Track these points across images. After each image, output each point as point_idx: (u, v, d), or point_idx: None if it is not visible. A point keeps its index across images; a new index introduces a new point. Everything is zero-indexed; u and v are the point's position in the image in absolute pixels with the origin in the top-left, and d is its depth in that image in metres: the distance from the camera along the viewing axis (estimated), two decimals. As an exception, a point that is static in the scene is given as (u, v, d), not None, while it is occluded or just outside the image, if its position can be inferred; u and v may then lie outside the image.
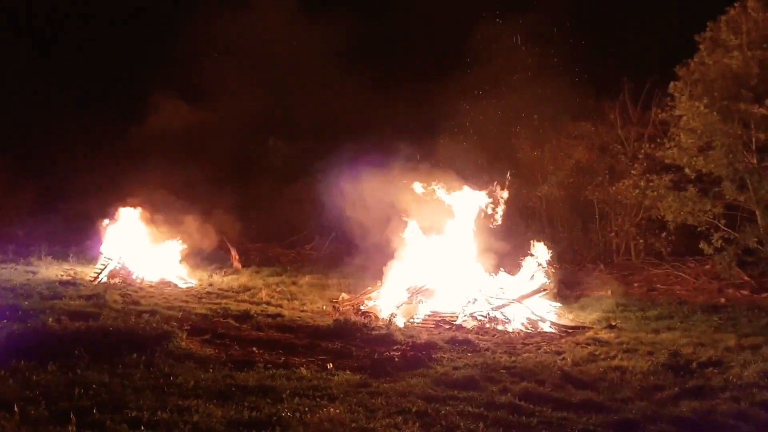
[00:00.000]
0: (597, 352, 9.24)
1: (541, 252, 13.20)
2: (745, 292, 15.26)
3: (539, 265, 13.36)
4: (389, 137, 16.01)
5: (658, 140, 17.44)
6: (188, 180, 18.51)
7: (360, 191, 15.18)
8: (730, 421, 6.51)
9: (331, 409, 6.24)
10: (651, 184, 16.82)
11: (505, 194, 13.62)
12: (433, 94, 18.67)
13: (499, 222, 13.51)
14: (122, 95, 24.11)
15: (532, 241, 13.49)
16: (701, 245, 16.03)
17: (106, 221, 15.75)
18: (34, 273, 14.20)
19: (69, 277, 13.93)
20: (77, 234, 17.72)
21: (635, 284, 16.77)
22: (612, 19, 19.67)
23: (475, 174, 14.83)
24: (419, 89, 19.17)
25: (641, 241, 18.95)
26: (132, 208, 15.98)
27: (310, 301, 13.21)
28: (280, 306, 12.32)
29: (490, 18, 19.50)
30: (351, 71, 20.58)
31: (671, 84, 15.89)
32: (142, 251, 15.48)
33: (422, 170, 14.27)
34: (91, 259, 15.79)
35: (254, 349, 8.74)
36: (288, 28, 21.82)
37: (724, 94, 15.17)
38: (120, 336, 8.35)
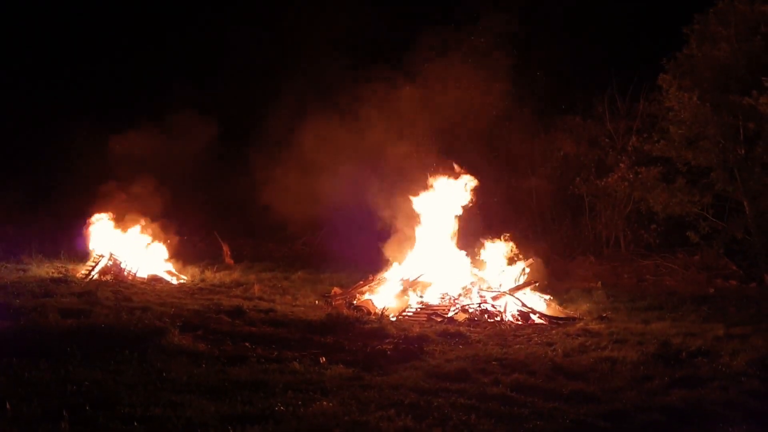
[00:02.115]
0: (587, 343, 9.29)
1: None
2: (733, 282, 15.42)
3: (530, 258, 13.48)
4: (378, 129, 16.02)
5: (645, 135, 17.58)
6: (180, 175, 18.47)
7: (352, 186, 15.23)
8: (719, 409, 6.57)
9: (324, 403, 6.26)
10: (639, 176, 16.94)
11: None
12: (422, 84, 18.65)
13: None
14: (111, 89, 24.03)
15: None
16: (688, 233, 16.21)
17: (98, 220, 15.72)
18: (25, 271, 14.15)
19: (60, 275, 13.88)
20: (68, 232, 17.67)
21: (625, 275, 16.89)
22: (600, 11, 19.69)
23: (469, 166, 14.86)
24: (408, 82, 19.12)
25: (630, 233, 19.08)
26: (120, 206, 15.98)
27: (302, 295, 13.22)
28: (273, 301, 12.33)
29: (476, 10, 19.49)
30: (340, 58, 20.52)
31: (660, 76, 16.00)
32: (133, 248, 15.46)
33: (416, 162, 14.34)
34: (82, 257, 15.74)
35: (247, 344, 8.74)
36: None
37: (713, 86, 15.29)
38: (112, 332, 8.34)
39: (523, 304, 11.91)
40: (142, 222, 15.99)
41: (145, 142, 19.30)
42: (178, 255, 16.43)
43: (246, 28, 22.39)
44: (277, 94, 22.08)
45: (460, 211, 13.74)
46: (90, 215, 15.89)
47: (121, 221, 15.87)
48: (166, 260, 15.77)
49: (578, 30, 19.97)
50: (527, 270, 13.31)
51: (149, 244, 15.80)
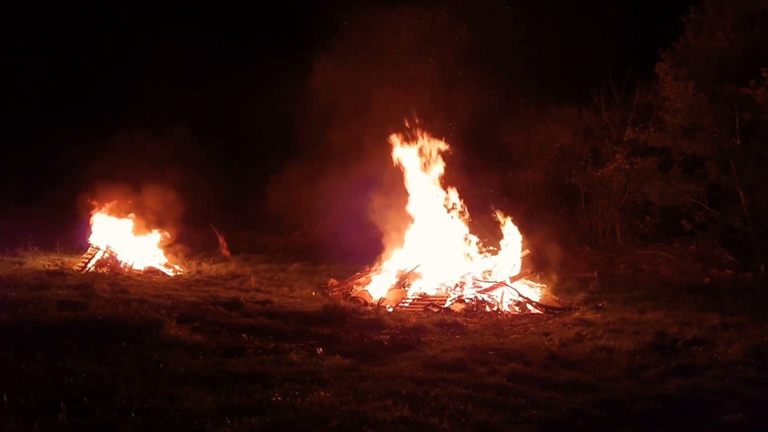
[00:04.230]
0: (583, 333, 9.32)
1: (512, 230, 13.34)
2: (729, 272, 15.46)
3: (526, 248, 13.51)
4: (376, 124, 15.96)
5: (641, 125, 17.59)
6: (176, 169, 18.44)
7: (349, 178, 15.21)
8: (715, 398, 6.59)
9: (321, 393, 6.27)
10: (635, 166, 16.97)
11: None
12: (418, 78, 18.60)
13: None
14: (107, 84, 23.97)
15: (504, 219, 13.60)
16: (682, 222, 16.26)
17: (94, 212, 15.69)
18: (20, 264, 14.10)
19: (56, 267, 13.83)
20: (64, 224, 17.63)
21: (621, 265, 16.93)
22: (596, 1, 19.66)
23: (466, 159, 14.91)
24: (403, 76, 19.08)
25: (626, 223, 19.11)
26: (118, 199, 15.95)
27: (299, 287, 13.22)
28: (270, 293, 12.32)
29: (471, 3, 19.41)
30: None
31: (657, 65, 15.99)
32: (129, 240, 15.43)
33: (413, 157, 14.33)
34: (78, 249, 15.72)
35: (244, 335, 8.75)
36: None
37: (709, 76, 15.28)
38: (109, 325, 8.32)
39: (520, 294, 11.94)
40: (139, 214, 15.96)
41: (140, 135, 19.29)
42: (175, 247, 16.41)
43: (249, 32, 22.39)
44: (271, 87, 22.07)
45: (456, 202, 13.78)
46: (86, 207, 15.85)
47: (117, 213, 15.83)
48: (163, 251, 15.75)
49: (574, 19, 19.92)
50: (523, 260, 13.34)
51: (145, 236, 15.77)
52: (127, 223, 15.77)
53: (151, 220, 16.05)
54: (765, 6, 14.68)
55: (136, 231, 15.75)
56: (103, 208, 15.78)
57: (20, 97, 22.75)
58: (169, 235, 16.10)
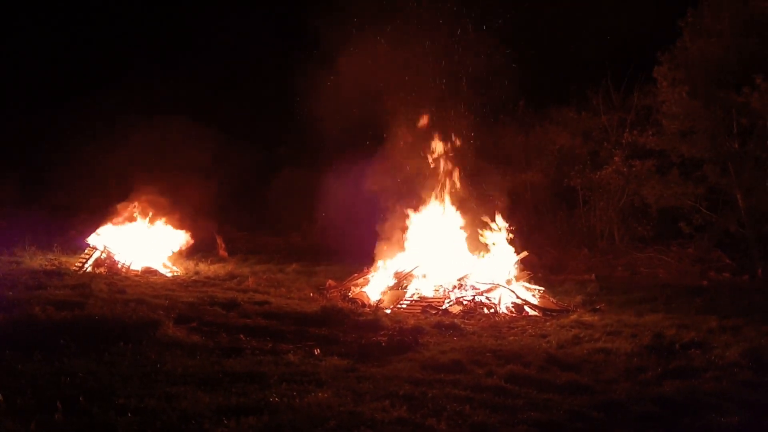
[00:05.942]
0: (581, 335, 9.32)
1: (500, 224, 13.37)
2: (726, 275, 15.47)
3: (524, 250, 13.53)
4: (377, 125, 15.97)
5: (639, 128, 17.61)
6: (175, 170, 18.45)
7: (348, 179, 15.20)
8: (712, 400, 6.60)
9: (319, 394, 6.27)
10: (634, 169, 16.98)
11: None
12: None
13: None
14: (106, 83, 23.93)
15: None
16: (680, 225, 16.29)
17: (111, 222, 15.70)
18: (18, 263, 14.07)
19: (54, 267, 13.81)
20: (61, 224, 17.60)
21: (619, 268, 16.94)
22: (595, 2, 19.66)
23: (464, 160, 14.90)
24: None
25: (624, 225, 19.12)
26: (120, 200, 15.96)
27: (297, 288, 13.21)
28: (267, 293, 12.30)
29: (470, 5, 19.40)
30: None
31: (655, 68, 16.01)
32: (127, 241, 15.41)
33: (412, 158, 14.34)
34: (76, 249, 15.69)
35: (241, 336, 8.74)
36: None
37: (705, 80, 15.30)
38: (106, 325, 8.30)
39: (518, 296, 11.94)
40: (136, 214, 15.95)
41: (138, 134, 19.26)
42: (175, 248, 16.40)
43: (250, 31, 22.38)
44: (271, 87, 22.03)
45: (454, 204, 13.78)
46: (84, 208, 15.85)
47: (115, 213, 15.82)
48: (161, 253, 15.72)
49: (573, 20, 19.93)
50: (521, 262, 13.35)
51: (144, 237, 15.75)
52: (126, 223, 15.75)
53: (154, 219, 16.06)
54: (762, 10, 14.70)
55: (139, 231, 15.73)
56: (124, 211, 15.77)
57: (19, 97, 22.76)
58: (189, 237, 16.11)
